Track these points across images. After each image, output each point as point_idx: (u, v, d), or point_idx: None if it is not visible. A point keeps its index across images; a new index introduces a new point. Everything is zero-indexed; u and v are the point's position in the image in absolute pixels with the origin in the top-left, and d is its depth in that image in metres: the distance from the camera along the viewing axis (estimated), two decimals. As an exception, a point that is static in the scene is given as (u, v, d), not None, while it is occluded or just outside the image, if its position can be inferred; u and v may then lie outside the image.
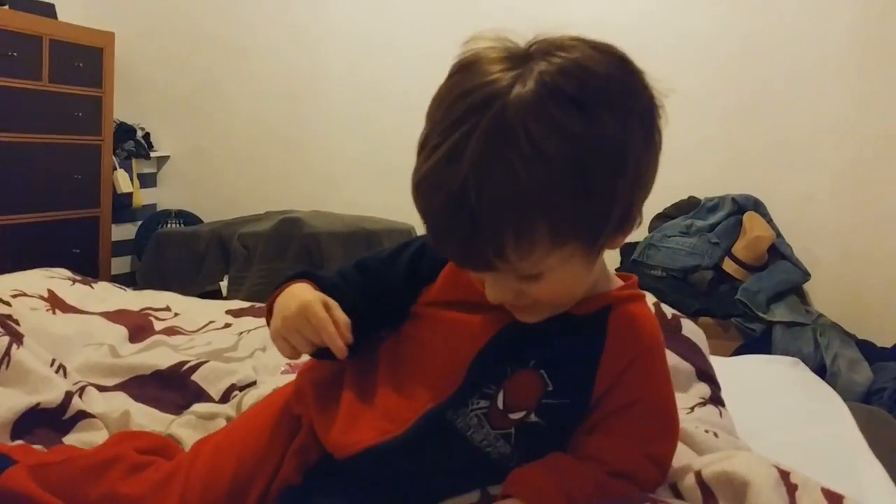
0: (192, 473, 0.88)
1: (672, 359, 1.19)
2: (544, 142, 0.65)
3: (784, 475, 0.78)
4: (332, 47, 3.67)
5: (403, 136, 3.41)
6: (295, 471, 0.88)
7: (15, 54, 3.06)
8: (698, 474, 0.80)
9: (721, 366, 1.31)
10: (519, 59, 0.72)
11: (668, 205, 3.21)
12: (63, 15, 3.43)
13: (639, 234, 3.11)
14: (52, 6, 3.36)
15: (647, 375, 0.83)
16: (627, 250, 3.11)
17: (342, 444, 0.84)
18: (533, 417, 0.80)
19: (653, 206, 3.20)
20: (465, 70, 0.72)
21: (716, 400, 1.16)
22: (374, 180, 3.62)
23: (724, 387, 1.23)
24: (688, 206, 3.17)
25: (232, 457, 0.89)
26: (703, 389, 1.18)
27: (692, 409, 1.10)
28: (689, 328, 1.30)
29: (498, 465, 0.81)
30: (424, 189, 0.70)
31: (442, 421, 0.81)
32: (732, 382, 1.28)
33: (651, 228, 3.14)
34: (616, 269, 3.11)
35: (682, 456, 0.89)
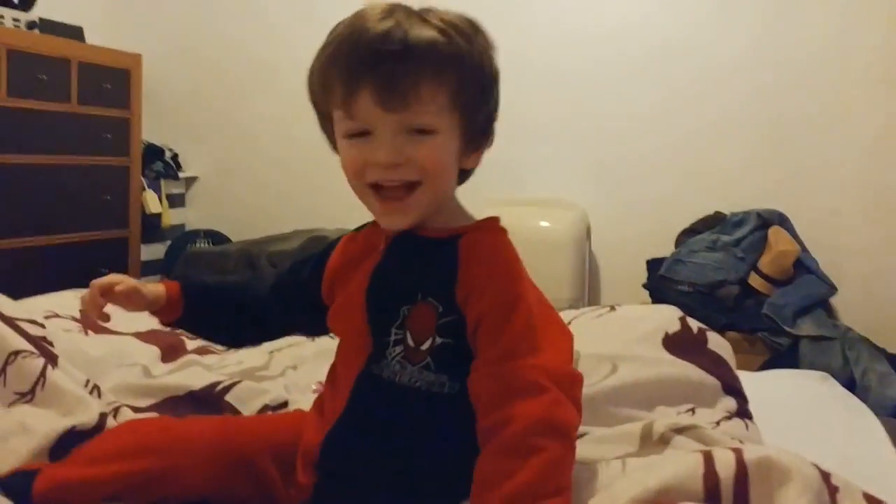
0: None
1: (698, 374, 1.19)
2: (454, 20, 0.89)
3: (825, 476, 0.78)
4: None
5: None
6: (302, 470, 0.96)
7: (44, 77, 3.12)
8: (739, 452, 0.80)
9: (749, 380, 1.31)
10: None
11: (694, 220, 3.20)
12: (91, 38, 3.49)
13: (665, 250, 3.11)
14: (80, 29, 3.42)
15: (491, 290, 0.88)
16: (654, 266, 3.10)
17: (309, 445, 0.95)
18: (439, 340, 0.89)
19: (679, 221, 3.19)
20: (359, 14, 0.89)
21: (743, 413, 1.16)
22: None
23: (752, 402, 1.22)
24: (713, 221, 3.16)
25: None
26: (730, 403, 1.18)
27: (718, 423, 1.10)
28: (715, 341, 1.30)
29: (433, 395, 0.89)
30: (353, 40, 0.86)
31: (371, 377, 0.92)
32: (760, 397, 1.28)
33: (677, 243, 3.13)
34: (643, 285, 3.12)
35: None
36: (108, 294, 1.04)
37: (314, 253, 1.10)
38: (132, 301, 1.05)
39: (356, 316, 0.95)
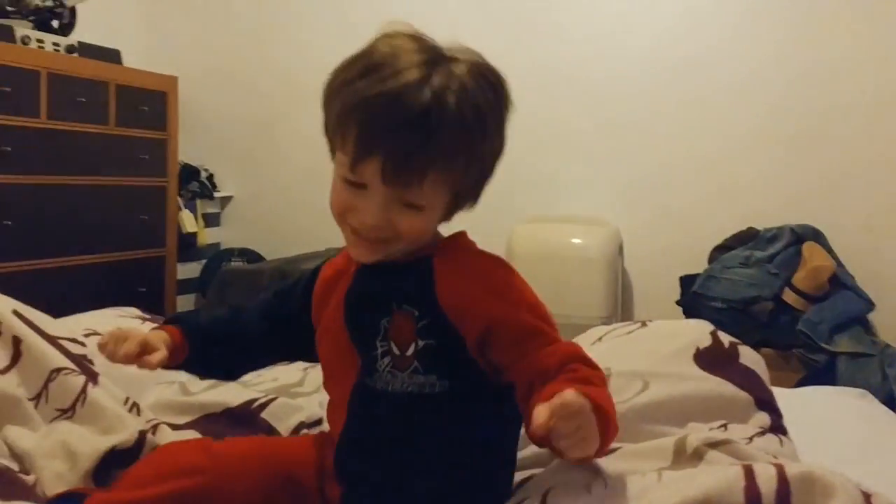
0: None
1: (730, 389, 1.18)
2: (480, 101, 0.89)
3: (866, 496, 0.78)
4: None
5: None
6: (329, 483, 1.00)
7: (83, 100, 3.18)
8: (780, 468, 0.80)
9: (785, 397, 1.29)
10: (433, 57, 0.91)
11: (727, 236, 3.18)
12: (128, 60, 3.56)
13: (698, 266, 3.09)
14: (117, 52, 3.49)
15: (490, 294, 0.93)
16: (687, 282, 3.09)
17: (329, 460, 0.99)
18: (421, 343, 0.92)
19: (711, 237, 3.17)
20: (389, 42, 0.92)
21: (777, 428, 1.15)
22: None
23: (788, 419, 1.21)
24: (746, 237, 3.14)
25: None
26: (763, 419, 1.17)
27: (751, 438, 1.09)
28: (748, 356, 1.29)
29: (429, 395, 0.92)
30: (383, 102, 0.85)
31: (365, 391, 0.95)
32: (797, 414, 1.27)
33: (710, 260, 3.11)
34: (676, 301, 3.10)
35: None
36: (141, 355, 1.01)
37: (297, 279, 1.13)
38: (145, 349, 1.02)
39: (340, 335, 0.99)
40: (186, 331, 1.08)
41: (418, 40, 0.92)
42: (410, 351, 0.93)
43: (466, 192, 0.94)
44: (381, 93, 0.85)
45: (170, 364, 1.06)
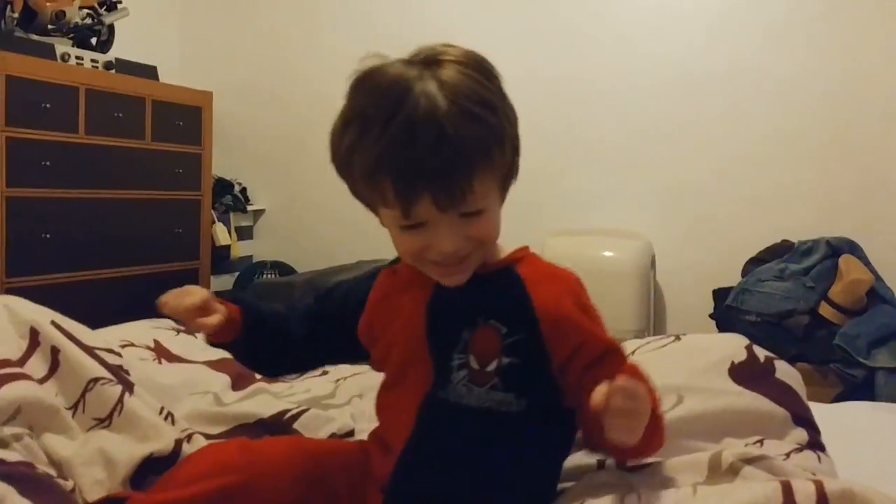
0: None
1: (766, 405, 1.17)
2: (479, 89, 0.87)
3: None
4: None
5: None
6: (371, 498, 0.99)
7: (120, 115, 3.24)
8: (819, 484, 0.79)
9: (822, 413, 1.27)
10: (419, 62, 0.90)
11: (761, 248, 3.14)
12: (164, 76, 3.62)
13: (732, 279, 3.06)
14: (154, 69, 3.55)
15: (582, 313, 0.95)
16: (721, 296, 3.05)
17: (378, 474, 0.97)
18: (505, 360, 0.92)
19: (745, 249, 3.14)
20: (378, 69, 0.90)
21: (814, 445, 1.13)
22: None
23: (826, 435, 1.19)
24: (781, 250, 3.10)
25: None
26: (800, 435, 1.15)
27: (788, 455, 1.08)
28: (784, 370, 1.28)
29: (505, 414, 0.91)
30: (400, 146, 0.84)
31: (436, 403, 0.93)
32: (834, 430, 1.24)
33: (744, 273, 3.08)
34: (710, 315, 3.07)
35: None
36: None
37: (338, 284, 1.14)
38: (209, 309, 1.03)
39: (415, 345, 0.97)
40: (244, 312, 1.08)
41: (391, 68, 0.89)
42: (491, 367, 0.92)
43: (509, 171, 0.94)
44: (394, 138, 0.84)
45: (219, 338, 1.06)
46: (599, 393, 0.81)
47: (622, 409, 0.81)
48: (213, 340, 1.08)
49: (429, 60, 0.89)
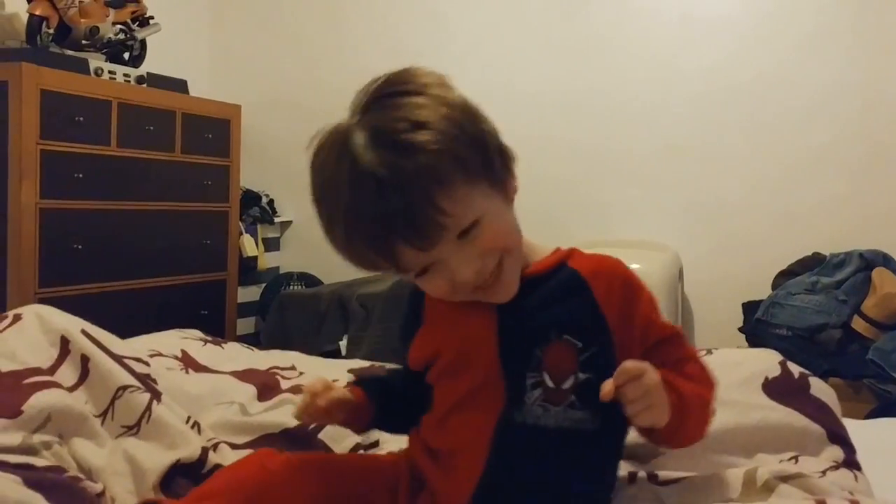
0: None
1: (801, 421, 1.15)
2: (413, 118, 0.83)
3: None
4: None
5: (520, 182, 3.40)
6: None
7: (151, 128, 3.28)
8: None
9: (855, 429, 1.25)
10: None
11: (792, 261, 3.11)
12: (194, 90, 3.66)
13: (762, 292, 3.02)
14: (184, 82, 3.59)
15: (642, 303, 0.95)
16: (751, 309, 3.02)
17: (444, 494, 0.94)
18: (581, 377, 0.89)
19: (775, 262, 3.10)
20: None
21: (850, 463, 1.11)
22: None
23: (859, 452, 1.17)
24: (812, 263, 3.06)
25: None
26: (836, 453, 1.13)
27: (824, 472, 1.05)
28: (818, 387, 1.25)
29: (581, 432, 0.89)
30: (351, 224, 0.85)
31: (512, 425, 0.90)
32: (868, 448, 1.21)
33: (774, 286, 3.04)
34: (739, 328, 3.03)
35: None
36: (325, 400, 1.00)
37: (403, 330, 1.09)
38: (340, 407, 1.01)
39: (485, 366, 0.92)
40: (367, 390, 1.05)
41: (330, 135, 0.89)
42: (568, 384, 0.89)
43: (491, 168, 0.89)
44: (346, 207, 0.85)
45: (356, 428, 1.09)
46: (605, 387, 0.82)
47: (633, 396, 0.82)
48: (355, 429, 1.10)
49: (363, 104, 0.88)
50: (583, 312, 0.91)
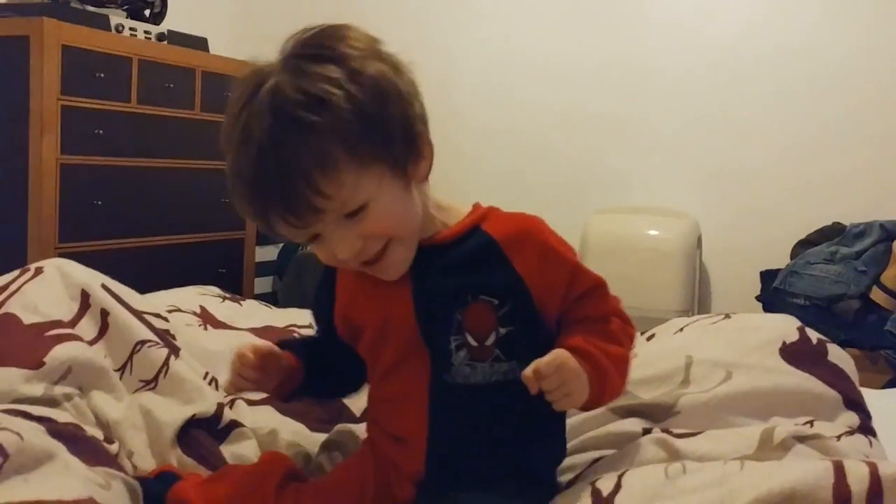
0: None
1: (817, 386, 1.15)
2: (315, 92, 0.81)
3: None
4: (461, 58, 3.74)
5: (540, 149, 3.43)
6: (399, 485, 0.98)
7: (171, 85, 3.27)
8: (874, 467, 0.77)
9: (872, 399, 1.24)
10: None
11: (811, 230, 3.08)
12: (215, 48, 3.64)
13: (780, 261, 3.01)
14: (204, 40, 3.57)
15: (559, 263, 0.95)
16: (768, 278, 3.00)
17: (405, 469, 0.96)
18: (502, 331, 0.91)
19: (795, 231, 3.08)
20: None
21: (865, 429, 1.11)
22: (509, 197, 3.65)
23: (876, 421, 1.17)
24: (832, 233, 3.03)
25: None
26: (852, 418, 1.13)
27: (839, 437, 1.05)
28: (836, 354, 1.25)
29: (514, 382, 0.89)
30: (233, 179, 0.86)
31: (444, 387, 0.92)
32: (884, 417, 1.22)
33: (793, 255, 3.02)
34: (756, 297, 3.02)
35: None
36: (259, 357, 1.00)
37: (313, 302, 1.10)
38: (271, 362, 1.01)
39: (407, 338, 0.94)
40: (295, 352, 1.05)
41: (241, 84, 0.89)
42: (490, 340, 0.92)
43: (385, 153, 0.85)
44: (231, 168, 0.87)
45: (284, 392, 1.05)
46: (526, 379, 0.85)
47: (549, 389, 0.86)
48: (283, 394, 1.06)
49: (285, 55, 0.89)
50: (496, 274, 0.92)
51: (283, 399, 1.09)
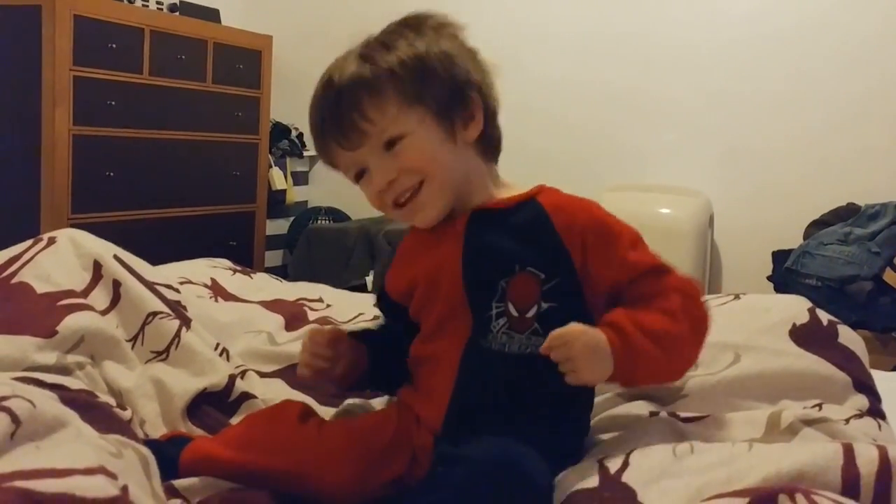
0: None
1: (827, 368, 1.14)
2: (384, 40, 0.99)
3: None
4: (475, 32, 3.71)
5: (553, 125, 3.40)
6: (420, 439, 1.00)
7: (182, 57, 3.27)
8: (883, 450, 0.77)
9: (882, 380, 1.24)
10: None
11: (825, 211, 3.06)
12: (226, 19, 3.63)
13: (793, 241, 2.99)
14: (216, 11, 3.57)
15: (612, 245, 0.96)
16: (780, 258, 2.99)
17: (427, 421, 0.98)
18: (544, 305, 0.93)
19: (808, 211, 3.06)
20: None
21: (875, 412, 1.10)
22: (521, 173, 3.64)
23: (886, 404, 1.16)
24: (846, 213, 3.01)
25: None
26: (861, 401, 1.13)
27: (847, 420, 1.05)
28: (846, 335, 1.24)
29: (545, 357, 0.90)
30: (310, 111, 1.02)
31: (478, 351, 0.95)
32: (895, 399, 1.21)
33: (806, 235, 3.00)
34: (768, 277, 3.01)
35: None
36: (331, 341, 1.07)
37: (379, 279, 1.15)
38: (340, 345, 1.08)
39: (452, 298, 0.98)
40: (365, 341, 1.10)
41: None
42: (531, 313, 0.93)
43: (431, 97, 0.96)
44: (312, 98, 1.02)
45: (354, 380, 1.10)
46: (543, 347, 0.88)
47: (557, 359, 0.88)
48: (350, 380, 1.11)
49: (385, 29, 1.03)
50: (545, 245, 0.94)
51: (348, 388, 1.15)
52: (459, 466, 0.82)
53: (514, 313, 0.93)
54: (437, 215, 0.99)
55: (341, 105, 0.96)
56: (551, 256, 0.94)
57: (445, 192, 0.98)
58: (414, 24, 1.00)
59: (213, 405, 1.19)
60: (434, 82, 0.96)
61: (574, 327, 0.88)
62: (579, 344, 0.87)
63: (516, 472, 0.81)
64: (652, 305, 0.93)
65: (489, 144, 1.03)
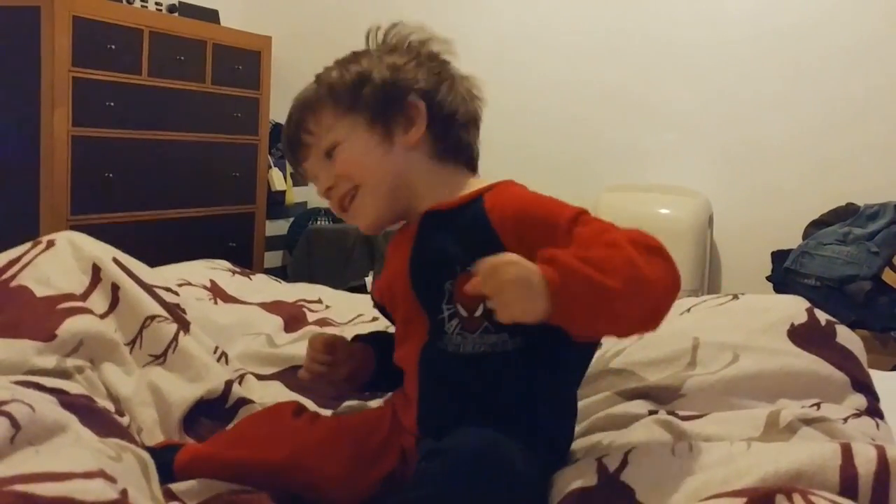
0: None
1: (825, 368, 1.14)
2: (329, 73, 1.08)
3: None
4: (473, 33, 3.72)
5: (552, 125, 3.41)
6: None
7: (182, 58, 3.27)
8: (881, 450, 0.77)
9: (880, 380, 1.24)
10: None
11: (824, 211, 3.06)
12: (225, 20, 3.63)
13: (792, 241, 2.99)
14: (215, 12, 3.56)
15: (546, 227, 0.92)
16: (779, 258, 2.99)
17: (408, 426, 1.01)
18: (489, 303, 0.87)
19: (807, 211, 3.06)
20: None
21: (873, 411, 1.10)
22: (519, 173, 3.63)
23: (885, 403, 1.16)
24: (845, 213, 3.01)
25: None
26: (859, 400, 1.13)
27: (845, 420, 1.05)
28: (844, 335, 1.24)
29: (498, 354, 0.93)
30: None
31: (434, 353, 0.96)
32: (893, 399, 1.21)
33: (805, 235, 3.00)
34: (767, 277, 3.01)
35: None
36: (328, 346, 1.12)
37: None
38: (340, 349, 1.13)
39: (407, 302, 1.00)
40: (369, 343, 1.15)
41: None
42: (479, 312, 0.94)
43: (365, 106, 1.02)
44: None
45: (358, 384, 1.15)
46: (470, 282, 0.83)
47: (488, 293, 0.81)
48: (357, 383, 1.15)
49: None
50: (483, 244, 0.91)
51: (358, 390, 1.18)
52: (439, 458, 0.83)
53: (464, 314, 0.94)
54: (375, 219, 1.04)
55: (291, 126, 1.07)
56: (490, 254, 0.84)
57: (379, 197, 1.02)
58: (378, 38, 1.11)
59: (210, 413, 1.19)
60: (367, 90, 1.02)
61: (506, 255, 0.81)
62: (512, 270, 0.79)
63: (494, 458, 0.82)
64: (589, 241, 0.86)
65: (446, 147, 1.04)
